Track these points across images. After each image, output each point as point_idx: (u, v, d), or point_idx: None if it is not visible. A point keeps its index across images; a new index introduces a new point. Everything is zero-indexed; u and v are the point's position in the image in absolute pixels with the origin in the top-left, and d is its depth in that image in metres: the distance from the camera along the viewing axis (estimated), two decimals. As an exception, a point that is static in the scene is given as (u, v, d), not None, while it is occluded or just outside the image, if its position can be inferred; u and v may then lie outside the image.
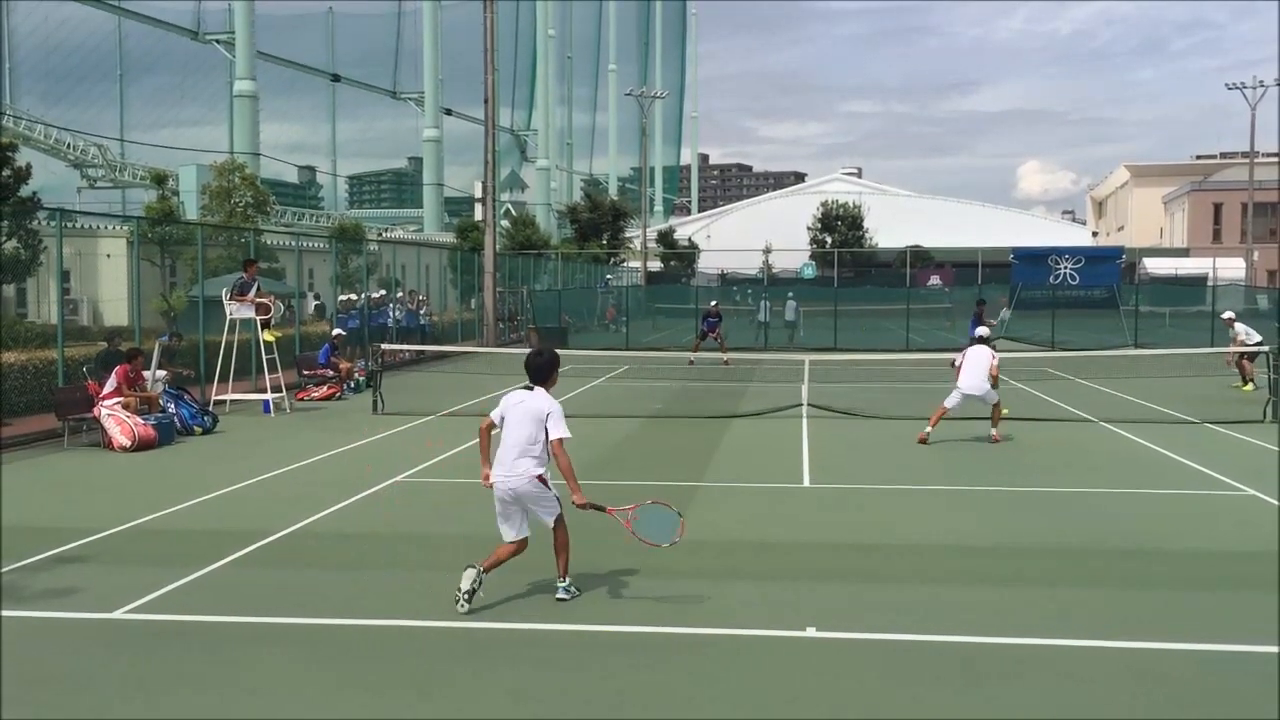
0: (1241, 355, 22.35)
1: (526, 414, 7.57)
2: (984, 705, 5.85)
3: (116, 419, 14.88)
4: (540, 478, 7.57)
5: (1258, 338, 22.66)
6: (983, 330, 16.71)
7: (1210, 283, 50.17)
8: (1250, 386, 21.60)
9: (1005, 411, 15.92)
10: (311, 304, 33.51)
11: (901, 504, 11.25)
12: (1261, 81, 61.21)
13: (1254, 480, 12.18)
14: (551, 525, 7.70)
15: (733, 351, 30.04)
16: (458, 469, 13.02)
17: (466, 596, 7.40)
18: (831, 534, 10.02)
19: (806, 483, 12.43)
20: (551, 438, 7.50)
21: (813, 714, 5.77)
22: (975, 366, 15.27)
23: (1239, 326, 22.82)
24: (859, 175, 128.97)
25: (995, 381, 15.40)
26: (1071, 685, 6.11)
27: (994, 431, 15.22)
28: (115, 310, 30.76)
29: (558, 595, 7.68)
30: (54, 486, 12.63)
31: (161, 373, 16.66)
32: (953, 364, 15.88)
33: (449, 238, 59.94)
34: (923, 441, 14.89)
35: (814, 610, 7.49)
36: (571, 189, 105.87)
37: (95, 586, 8.09)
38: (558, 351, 8.29)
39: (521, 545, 7.71)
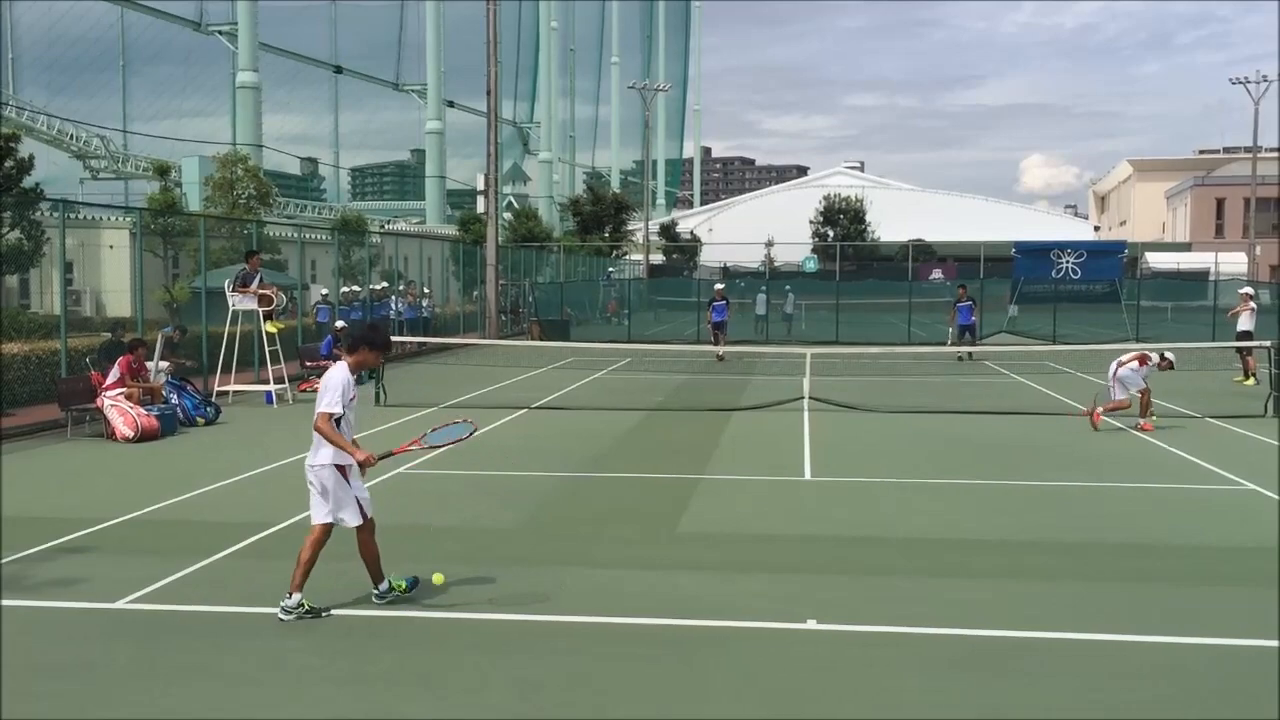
0: (1241, 350, 22.33)
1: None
2: (985, 698, 5.87)
3: (119, 410, 14.91)
4: (340, 469, 7.03)
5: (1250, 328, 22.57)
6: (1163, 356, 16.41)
7: (1212, 278, 50.12)
8: (1252, 381, 21.60)
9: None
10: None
11: (903, 497, 11.26)
12: (1265, 76, 61.06)
13: (1255, 475, 12.19)
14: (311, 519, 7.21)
15: (731, 345, 29.98)
16: (456, 462, 13.02)
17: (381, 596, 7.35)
18: (833, 527, 10.03)
19: (808, 476, 12.44)
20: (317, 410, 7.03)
21: (813, 706, 5.79)
22: (1131, 361, 15.75)
23: (1252, 307, 22.65)
24: (862, 169, 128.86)
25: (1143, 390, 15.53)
26: (1072, 679, 6.12)
27: (1142, 421, 15.57)
28: (118, 301, 30.78)
29: (279, 615, 6.96)
30: (57, 477, 12.67)
31: (164, 363, 16.69)
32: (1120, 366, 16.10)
33: (451, 230, 59.95)
34: (1145, 430, 15.34)
35: (815, 603, 7.50)
36: (574, 182, 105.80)
37: (98, 576, 8.12)
38: (376, 326, 7.81)
39: (367, 524, 7.24)
